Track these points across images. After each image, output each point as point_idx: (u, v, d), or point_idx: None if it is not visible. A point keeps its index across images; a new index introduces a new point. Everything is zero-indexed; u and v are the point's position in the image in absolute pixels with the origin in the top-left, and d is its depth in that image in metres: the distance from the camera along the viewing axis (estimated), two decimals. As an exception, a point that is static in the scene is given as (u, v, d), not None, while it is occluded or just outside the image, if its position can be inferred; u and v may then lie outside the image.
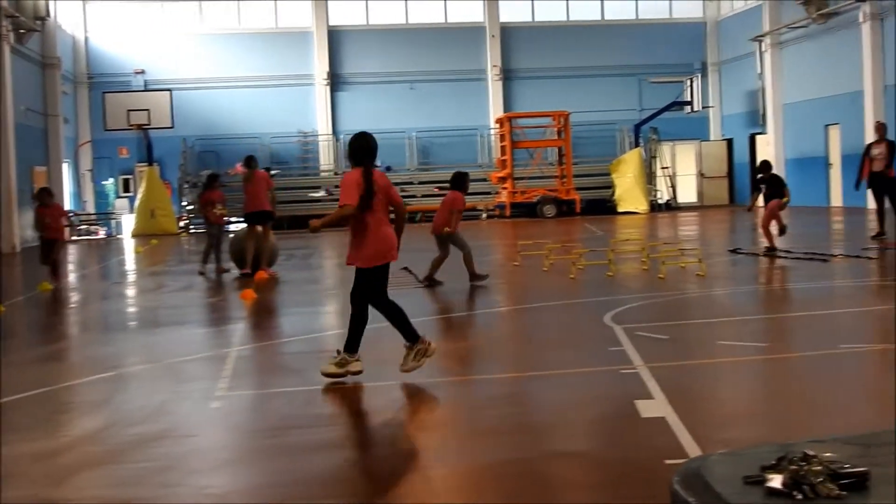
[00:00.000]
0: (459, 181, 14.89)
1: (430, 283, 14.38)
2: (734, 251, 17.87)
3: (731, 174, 41.51)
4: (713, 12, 42.58)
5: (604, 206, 36.68)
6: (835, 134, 33.51)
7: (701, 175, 41.27)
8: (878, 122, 19.47)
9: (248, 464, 5.88)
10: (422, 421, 6.73)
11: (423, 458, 5.82)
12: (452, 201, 14.78)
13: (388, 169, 38.91)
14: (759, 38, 37.78)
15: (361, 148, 7.74)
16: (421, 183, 38.64)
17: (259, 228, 17.21)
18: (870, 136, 29.51)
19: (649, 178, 38.46)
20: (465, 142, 40.45)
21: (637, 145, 38.20)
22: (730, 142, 41.59)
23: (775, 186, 17.19)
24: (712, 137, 42.37)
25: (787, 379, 7.56)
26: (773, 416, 6.45)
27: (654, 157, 39.54)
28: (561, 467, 5.44)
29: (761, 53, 37.95)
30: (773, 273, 14.76)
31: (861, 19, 31.15)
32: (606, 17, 41.91)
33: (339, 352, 7.83)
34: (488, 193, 38.00)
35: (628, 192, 36.52)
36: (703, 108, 40.51)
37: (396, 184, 38.16)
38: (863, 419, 6.12)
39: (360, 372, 7.77)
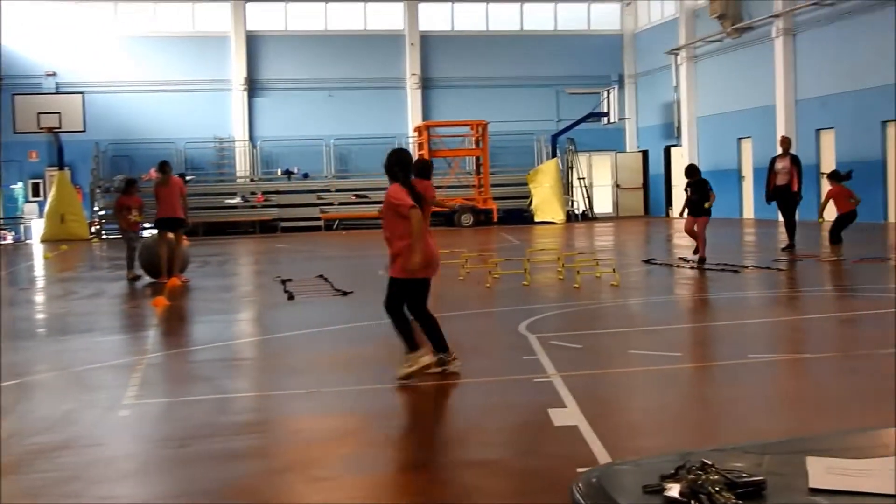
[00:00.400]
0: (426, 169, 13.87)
1: None
2: (648, 261, 18.07)
3: (646, 185, 42.04)
4: (630, 25, 43.13)
5: (521, 216, 36.90)
6: (747, 147, 34.16)
7: (617, 186, 41.75)
8: (782, 136, 19.82)
9: (155, 474, 5.76)
10: (333, 429, 6.66)
11: (333, 466, 5.76)
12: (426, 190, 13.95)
13: (306, 176, 38.70)
14: (674, 52, 38.37)
15: (399, 162, 7.93)
16: (338, 191, 38.50)
17: (171, 235, 16.96)
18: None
19: (566, 188, 38.79)
20: (384, 150, 39.63)
21: (554, 156, 38.53)
22: (645, 153, 42.13)
23: (701, 192, 17.31)
24: (628, 149, 42.89)
25: (697, 388, 7.65)
26: (683, 424, 6.51)
27: (571, 168, 39.91)
28: (473, 476, 5.43)
29: (677, 66, 38.54)
30: (686, 284, 14.95)
31: (774, 34, 31.82)
32: (525, 28, 42.22)
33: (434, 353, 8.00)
34: (406, 202, 37.96)
35: (545, 202, 36.78)
36: (620, 119, 41.01)
37: (313, 191, 38.18)
38: (768, 427, 6.21)
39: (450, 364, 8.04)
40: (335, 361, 9.09)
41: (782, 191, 18.90)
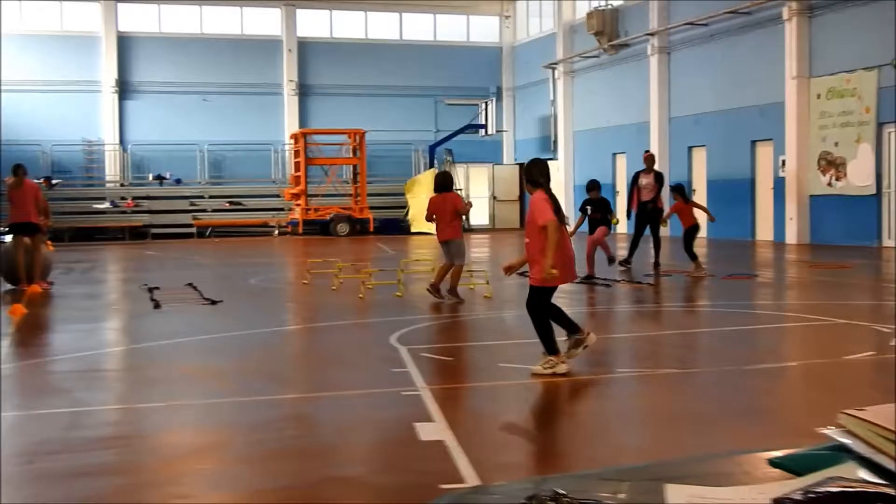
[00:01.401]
0: (449, 182, 14.44)
1: (454, 295, 13.60)
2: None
3: (522, 198, 42.34)
4: (509, 38, 43.46)
5: (397, 226, 36.78)
6: (622, 162, 34.67)
7: (493, 198, 41.96)
8: (646, 151, 19.99)
9: (-3, 493, 5.42)
10: (196, 444, 6.40)
11: (192, 484, 5.51)
12: (455, 202, 14.06)
13: (178, 182, 37.92)
14: (552, 66, 38.77)
15: (542, 172, 8.34)
16: (212, 197, 37.82)
17: (27, 240, 16.32)
18: (664, 164, 30.72)
19: (443, 199, 38.76)
20: (259, 156, 39.85)
21: (432, 166, 38.53)
22: (522, 166, 42.46)
23: (602, 210, 17.37)
24: (505, 161, 43.17)
25: (566, 402, 7.60)
26: (551, 439, 6.43)
27: (449, 179, 39.92)
28: (335, 492, 5.24)
29: (554, 81, 38.95)
30: (559, 297, 14.96)
31: (650, 52, 32.40)
32: (405, 37, 42.18)
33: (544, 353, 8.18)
34: (281, 210, 37.54)
35: (422, 213, 36.60)
36: (497, 131, 41.27)
37: (185, 197, 37.43)
38: (637, 443, 6.18)
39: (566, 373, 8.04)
40: (199, 373, 8.79)
41: (645, 206, 19.01)
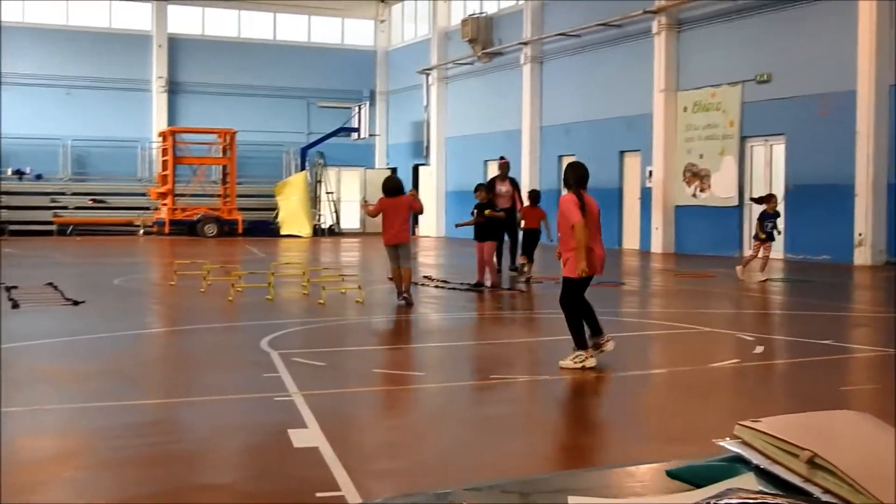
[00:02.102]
0: (400, 185, 14.41)
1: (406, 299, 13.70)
2: (392, 278, 18.02)
3: (393, 202, 42.30)
4: (384, 42, 43.42)
5: (267, 228, 36.34)
6: (493, 170, 34.88)
7: (365, 202, 41.77)
8: (501, 158, 20.02)
9: None
10: (59, 450, 6.14)
11: (58, 491, 5.27)
12: (411, 205, 14.31)
13: (39, 177, 36.74)
14: (426, 72, 38.86)
15: (581, 178, 8.94)
16: (75, 194, 36.75)
17: None
18: (525, 174, 31.11)
19: (314, 202, 38.54)
20: (126, 154, 38.90)
21: (303, 168, 38.24)
22: (394, 171, 42.40)
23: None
24: (377, 165, 43.10)
25: (441, 408, 7.55)
26: (425, 446, 6.37)
27: (320, 182, 39.70)
28: (207, 499, 5.08)
29: (428, 86, 39.04)
30: (431, 302, 14.98)
31: (522, 61, 32.73)
32: (278, 38, 41.76)
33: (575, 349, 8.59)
34: (147, 209, 36.71)
35: (292, 215, 36.38)
36: (370, 135, 41.17)
37: (46, 194, 36.28)
38: (512, 449, 6.17)
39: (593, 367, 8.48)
40: (61, 376, 8.47)
41: (505, 214, 19.01)
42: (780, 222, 18.59)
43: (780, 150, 23.69)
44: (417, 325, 12.87)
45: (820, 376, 8.65)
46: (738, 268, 18.24)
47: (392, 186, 14.28)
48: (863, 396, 7.88)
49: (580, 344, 8.65)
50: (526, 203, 18.76)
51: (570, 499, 1.86)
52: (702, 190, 25.73)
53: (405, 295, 13.83)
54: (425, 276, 18.30)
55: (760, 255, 17.72)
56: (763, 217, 17.71)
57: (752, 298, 15.77)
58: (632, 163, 28.49)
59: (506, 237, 18.81)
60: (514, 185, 19.21)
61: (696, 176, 25.88)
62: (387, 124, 43.20)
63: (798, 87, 22.84)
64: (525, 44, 32.46)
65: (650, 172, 27.30)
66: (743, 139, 24.60)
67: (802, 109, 22.68)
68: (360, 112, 39.52)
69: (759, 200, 18.08)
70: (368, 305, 13.81)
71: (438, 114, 38.59)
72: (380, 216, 14.03)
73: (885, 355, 9.57)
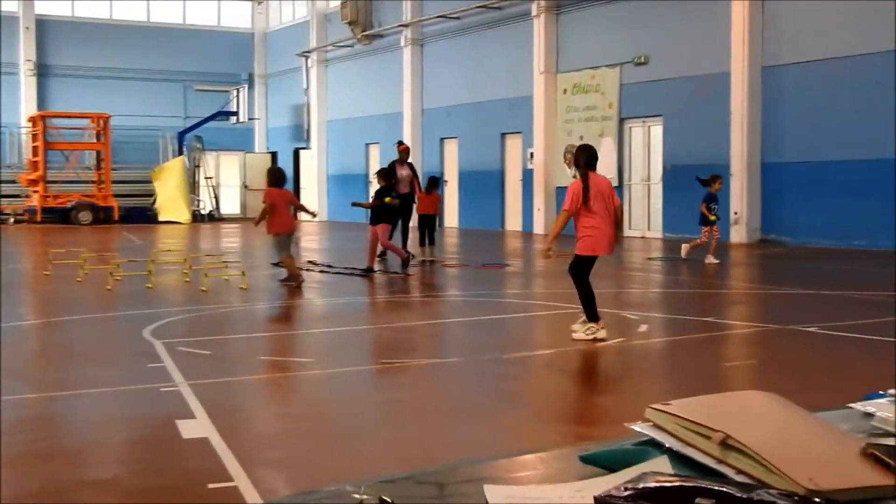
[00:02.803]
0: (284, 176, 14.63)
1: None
2: (277, 265, 17.82)
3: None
4: (262, 24, 42.86)
5: (144, 215, 35.54)
6: (375, 152, 34.84)
7: (245, 187, 41.28)
8: (401, 143, 20.00)
9: None
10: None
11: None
12: (291, 197, 14.85)
13: None
14: (305, 54, 38.49)
15: (588, 162, 9.29)
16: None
17: None
18: (416, 155, 31.04)
19: (192, 187, 37.88)
20: (-9, 138, 37.65)
21: (181, 153, 37.51)
22: (274, 155, 42.00)
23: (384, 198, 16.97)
24: (257, 150, 42.60)
25: (329, 395, 7.48)
26: (317, 434, 6.29)
27: (198, 167, 39.05)
28: (93, 497, 4.93)
29: (308, 69, 38.69)
30: (315, 288, 14.85)
31: (403, 44, 32.66)
32: (152, 20, 40.84)
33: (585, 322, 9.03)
34: (17, 196, 35.55)
35: (170, 201, 35.66)
36: (249, 119, 40.65)
37: None
38: (397, 436, 6.14)
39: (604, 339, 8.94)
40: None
41: (405, 199, 19.03)
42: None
43: (657, 131, 24.15)
44: (304, 310, 12.75)
45: (703, 353, 8.84)
46: (684, 246, 17.94)
47: (281, 176, 14.51)
48: (744, 371, 8.07)
49: (592, 316, 9.12)
50: (413, 188, 18.81)
51: (486, 487, 1.83)
52: (582, 171, 26.03)
53: (302, 279, 14.01)
54: (309, 261, 18.15)
55: (712, 237, 17.35)
56: (708, 199, 17.42)
57: (633, 277, 16.05)
58: (513, 144, 28.71)
59: (400, 222, 18.81)
60: (413, 169, 19.21)
61: (577, 157, 26.18)
62: (266, 108, 42.69)
63: (674, 70, 23.29)
64: (405, 26, 32.38)
65: (531, 154, 27.54)
66: (622, 121, 25.00)
67: (679, 91, 23.14)
68: (238, 95, 38.97)
69: (704, 182, 17.66)
70: (252, 292, 13.62)
71: (319, 97, 38.27)
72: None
73: (762, 330, 9.82)
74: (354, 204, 18.98)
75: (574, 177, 9.65)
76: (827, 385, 7.22)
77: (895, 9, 18.54)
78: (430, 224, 18.16)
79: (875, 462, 1.64)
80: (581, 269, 9.32)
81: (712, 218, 17.27)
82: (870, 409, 2.01)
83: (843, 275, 15.11)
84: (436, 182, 19.05)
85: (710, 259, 17.04)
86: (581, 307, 9.27)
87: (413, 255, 17.28)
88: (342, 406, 7.01)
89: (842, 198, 19.79)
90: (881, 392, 2.13)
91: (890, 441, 1.90)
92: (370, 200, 17.12)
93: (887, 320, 10.25)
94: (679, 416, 1.89)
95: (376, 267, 16.36)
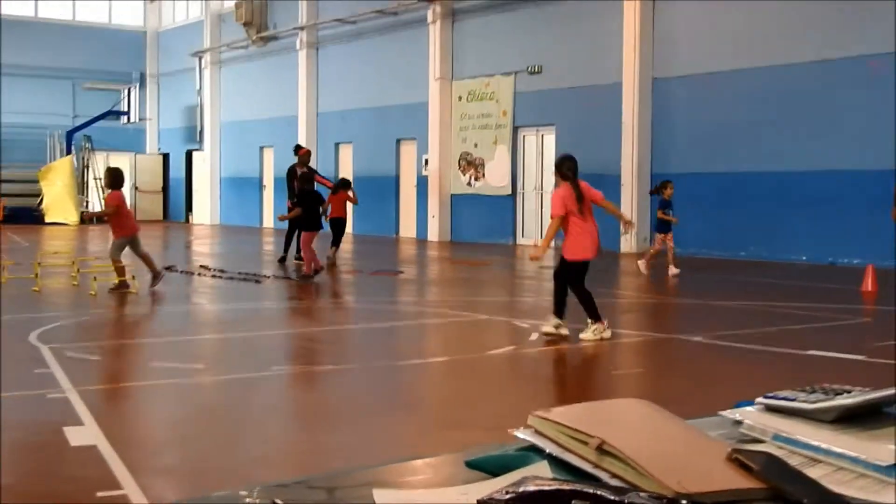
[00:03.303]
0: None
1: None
2: (169, 269, 17.62)
3: (166, 189, 41.33)
4: (154, 23, 42.23)
5: (30, 215, 34.69)
6: (269, 156, 34.60)
7: (136, 188, 40.61)
8: (301, 147, 19.91)
9: None
10: None
11: None
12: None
13: None
14: (199, 54, 38.04)
15: (570, 168, 9.81)
16: None
17: None
18: (311, 159, 30.95)
19: (81, 188, 37.11)
20: None
21: (69, 153, 36.72)
22: (166, 156, 41.41)
23: (311, 202, 16.76)
24: (148, 150, 41.96)
25: (221, 400, 7.45)
26: (207, 441, 6.28)
27: (87, 167, 38.28)
28: (-24, 507, 4.85)
29: (201, 70, 38.25)
30: (208, 293, 14.73)
31: (298, 46, 32.51)
32: (40, 15, 39.90)
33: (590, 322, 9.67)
34: None
35: (58, 202, 34.86)
36: (140, 119, 40.00)
37: None
38: (295, 439, 6.16)
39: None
40: None
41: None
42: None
43: (550, 139, 24.49)
44: (195, 316, 12.65)
45: (592, 361, 9.03)
46: (640, 262, 17.10)
47: (122, 177, 14.60)
48: (632, 380, 8.28)
49: (595, 316, 9.63)
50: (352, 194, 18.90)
51: (375, 492, 1.90)
52: (476, 178, 26.30)
53: (162, 275, 14.25)
54: (202, 266, 17.98)
55: (667, 246, 16.87)
56: (662, 205, 16.99)
57: (525, 286, 16.27)
58: (408, 151, 28.81)
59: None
60: (314, 173, 19.18)
61: (471, 165, 26.43)
62: (158, 108, 42.06)
63: (568, 79, 23.66)
64: (301, 29, 32.25)
65: (426, 161, 27.68)
66: (516, 129, 25.29)
67: (572, 100, 23.51)
68: (129, 95, 38.33)
69: (655, 191, 17.38)
70: (142, 296, 13.45)
71: (212, 98, 37.86)
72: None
73: (649, 339, 10.08)
74: (282, 218, 18.23)
75: (556, 185, 10.18)
76: (705, 392, 7.46)
77: (781, 24, 19.19)
78: (341, 228, 18.45)
79: (740, 467, 1.76)
80: (574, 274, 9.81)
81: (675, 221, 16.85)
82: (738, 416, 2.14)
83: (730, 285, 15.55)
84: (347, 184, 19.16)
85: (672, 270, 16.56)
86: (553, 306, 9.91)
87: (319, 270, 16.65)
88: (233, 412, 7.00)
89: (728, 209, 20.35)
90: (750, 401, 2.27)
91: (755, 447, 2.03)
92: (288, 205, 17.10)
93: (768, 330, 10.61)
94: (559, 423, 1.99)
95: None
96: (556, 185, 10.08)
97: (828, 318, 11.64)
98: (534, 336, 10.08)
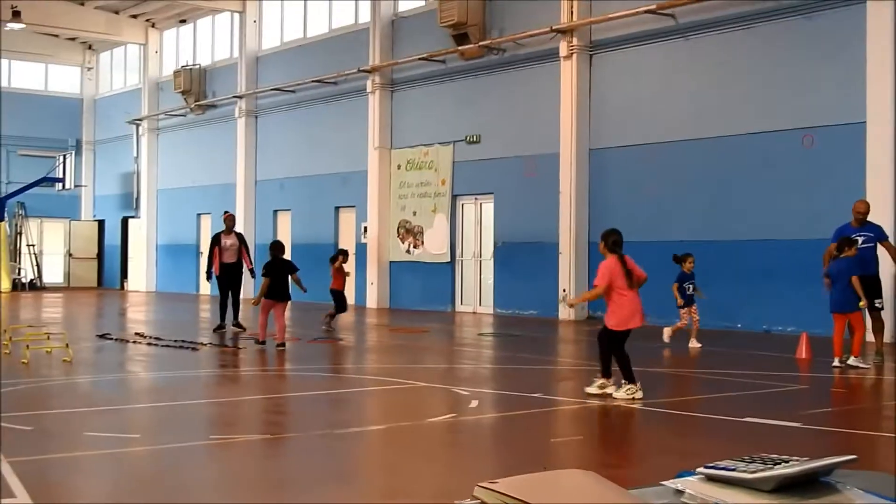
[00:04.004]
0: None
1: None
2: (103, 336, 17.39)
3: (101, 256, 40.90)
4: (91, 90, 42.05)
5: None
6: (206, 223, 34.41)
7: (70, 255, 40.15)
8: (226, 212, 19.90)
9: None
10: None
11: None
12: None
13: None
14: (136, 122, 37.92)
15: (616, 242, 10.67)
16: None
17: None
18: (239, 229, 30.84)
19: (13, 255, 36.59)
20: None
21: (2, 219, 36.21)
22: (101, 223, 41.03)
23: (282, 273, 15.73)
24: (83, 217, 41.55)
25: (159, 471, 7.33)
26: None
27: (20, 234, 37.78)
28: None
29: (138, 137, 38.11)
30: (143, 361, 14.52)
31: (237, 114, 32.55)
32: (-23, 82, 39.60)
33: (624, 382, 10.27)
34: None
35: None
36: (76, 186, 39.68)
37: None
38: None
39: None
40: None
41: (231, 269, 18.87)
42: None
43: (489, 208, 24.68)
44: (131, 384, 12.46)
45: (532, 429, 9.03)
46: (666, 330, 16.27)
47: None
48: (571, 448, 8.28)
49: (630, 378, 10.19)
50: (241, 257, 18.76)
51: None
52: (415, 246, 26.37)
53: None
54: (137, 333, 17.75)
55: (692, 319, 16.04)
56: (680, 278, 16.10)
57: (464, 353, 16.27)
58: (347, 218, 28.85)
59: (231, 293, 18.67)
60: (241, 238, 19.12)
61: (410, 232, 26.51)
62: (94, 175, 41.74)
63: (506, 149, 23.93)
64: (240, 97, 32.31)
65: (365, 228, 27.72)
66: (454, 197, 25.45)
67: (510, 169, 23.75)
68: (64, 161, 38.02)
69: (677, 260, 16.24)
70: (77, 364, 13.24)
71: (149, 165, 37.68)
72: None
73: (588, 407, 10.11)
74: (255, 302, 17.03)
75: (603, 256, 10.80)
76: (645, 461, 7.48)
77: (712, 101, 19.63)
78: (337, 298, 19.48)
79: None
80: (616, 342, 10.41)
81: (680, 301, 15.99)
82: (680, 486, 2.17)
83: (665, 352, 15.67)
84: (346, 255, 20.23)
85: (693, 343, 15.89)
86: (601, 369, 10.55)
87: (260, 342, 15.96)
88: (167, 482, 6.89)
89: (664, 277, 20.56)
90: (691, 470, 2.29)
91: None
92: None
93: (705, 397, 10.70)
94: (504, 494, 2.00)
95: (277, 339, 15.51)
96: (603, 255, 10.77)
97: (763, 385, 11.78)
98: (474, 403, 10.07)
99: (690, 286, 16.08)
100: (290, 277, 15.76)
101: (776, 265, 18.51)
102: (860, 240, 13.72)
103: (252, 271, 19.15)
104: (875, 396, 11.75)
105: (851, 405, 11.07)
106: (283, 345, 15.33)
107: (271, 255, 15.85)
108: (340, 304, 19.60)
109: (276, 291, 15.52)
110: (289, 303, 16.22)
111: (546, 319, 21.87)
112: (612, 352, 10.43)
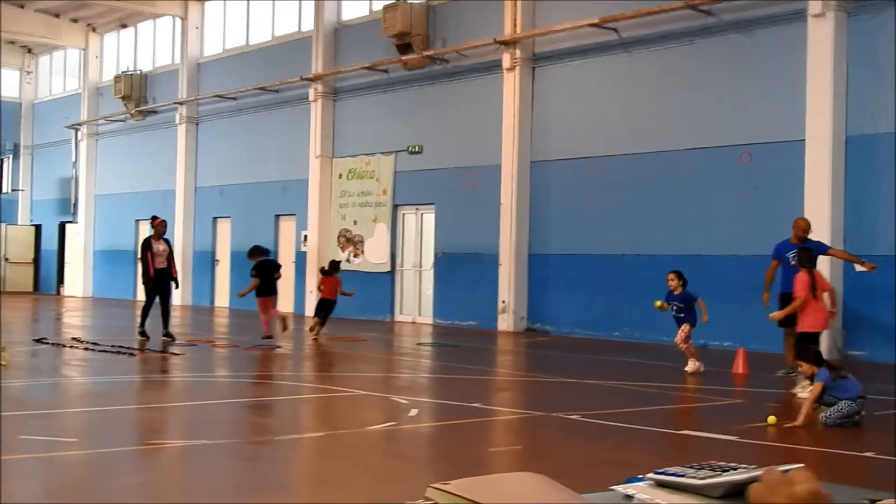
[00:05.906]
0: None
1: None
2: (39, 340, 17.16)
3: (37, 261, 40.32)
4: (30, 94, 41.49)
5: None
6: (145, 229, 34.03)
7: (6, 260, 39.52)
8: (156, 218, 19.47)
9: None
10: None
11: None
12: None
13: None
14: (75, 127, 37.47)
15: (809, 259, 12.48)
16: None
17: None
18: (179, 236, 30.60)
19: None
20: None
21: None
22: (38, 228, 40.47)
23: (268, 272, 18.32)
24: (20, 222, 40.93)
25: (92, 475, 7.25)
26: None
27: (-45, 237, 37.14)
28: None
29: (77, 142, 37.65)
30: (79, 366, 14.35)
31: (178, 121, 32.30)
32: (-90, 83, 38.85)
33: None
34: None
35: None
36: (13, 190, 39.11)
37: None
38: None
39: None
40: None
41: (162, 274, 18.66)
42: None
43: (430, 218, 24.71)
44: (68, 389, 12.32)
45: (471, 438, 9.07)
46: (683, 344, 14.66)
47: None
48: (509, 456, 8.34)
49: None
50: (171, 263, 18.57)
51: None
52: (355, 255, 26.33)
53: None
54: (74, 338, 17.54)
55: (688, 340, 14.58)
56: (668, 298, 14.99)
57: (403, 362, 16.29)
58: (287, 227, 28.72)
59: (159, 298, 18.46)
60: (169, 244, 18.91)
61: (350, 241, 26.47)
62: (32, 179, 41.14)
63: (447, 160, 23.99)
64: (180, 103, 32.07)
65: (305, 237, 27.63)
66: (395, 207, 25.46)
67: (451, 180, 23.82)
68: (1, 165, 37.45)
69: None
70: (13, 368, 13.05)
71: (88, 170, 37.23)
72: None
73: (527, 417, 10.18)
74: (243, 294, 18.75)
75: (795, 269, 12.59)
76: (583, 471, 7.56)
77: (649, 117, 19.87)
78: (328, 308, 19.60)
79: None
80: (811, 340, 11.80)
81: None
82: (630, 491, 2.22)
83: (605, 365, 15.82)
84: (336, 266, 20.47)
85: (691, 367, 14.41)
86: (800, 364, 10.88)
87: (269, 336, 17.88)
88: (100, 487, 6.82)
89: (600, 290, 20.75)
90: (640, 476, 2.34)
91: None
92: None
93: (643, 409, 10.83)
94: (457, 495, 2.03)
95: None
96: (797, 269, 12.47)
97: (700, 399, 11.94)
98: (413, 412, 10.09)
99: (676, 306, 14.90)
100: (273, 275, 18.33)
101: (714, 280, 18.71)
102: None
103: (176, 280, 18.81)
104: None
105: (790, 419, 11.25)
106: (270, 336, 17.61)
107: (258, 258, 18.37)
108: (328, 314, 19.72)
109: (267, 288, 18.06)
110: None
111: (485, 330, 21.95)
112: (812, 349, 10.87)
